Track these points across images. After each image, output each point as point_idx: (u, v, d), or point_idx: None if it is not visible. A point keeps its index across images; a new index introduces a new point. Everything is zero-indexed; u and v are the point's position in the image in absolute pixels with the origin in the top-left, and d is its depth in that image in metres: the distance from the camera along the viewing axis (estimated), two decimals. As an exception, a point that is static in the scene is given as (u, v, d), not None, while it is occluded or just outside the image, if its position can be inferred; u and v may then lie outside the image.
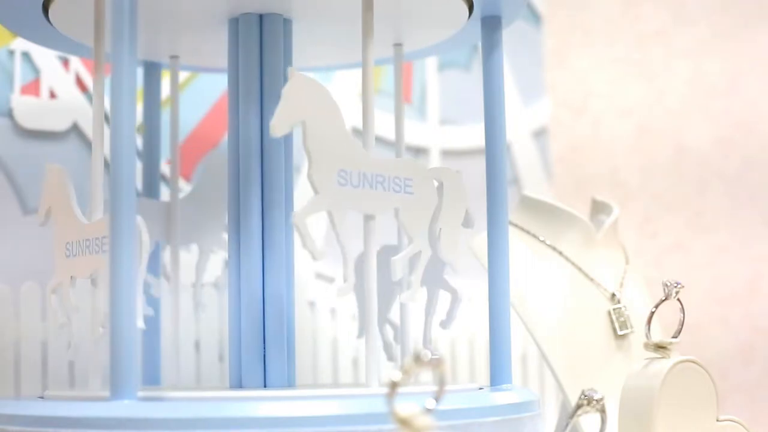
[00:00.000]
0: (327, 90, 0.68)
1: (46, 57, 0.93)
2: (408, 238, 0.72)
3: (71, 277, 0.73)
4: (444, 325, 0.77)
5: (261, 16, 0.77)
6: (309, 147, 0.67)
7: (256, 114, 0.76)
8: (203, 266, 0.88)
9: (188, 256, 0.90)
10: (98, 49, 0.73)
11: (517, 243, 0.88)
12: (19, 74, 0.92)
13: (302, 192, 1.03)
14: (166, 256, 0.96)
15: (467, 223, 0.76)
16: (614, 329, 0.87)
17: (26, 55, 0.92)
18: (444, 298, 0.78)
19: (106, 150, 0.93)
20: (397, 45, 0.83)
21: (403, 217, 0.71)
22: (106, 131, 0.94)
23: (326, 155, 0.67)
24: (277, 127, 0.66)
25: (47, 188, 0.76)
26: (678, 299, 0.74)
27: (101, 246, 0.70)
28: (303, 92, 0.67)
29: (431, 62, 1.17)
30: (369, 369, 0.69)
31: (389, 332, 0.83)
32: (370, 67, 0.71)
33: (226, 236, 0.82)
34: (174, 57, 0.87)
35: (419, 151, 1.14)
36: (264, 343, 0.75)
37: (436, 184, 0.73)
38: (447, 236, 0.73)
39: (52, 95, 0.93)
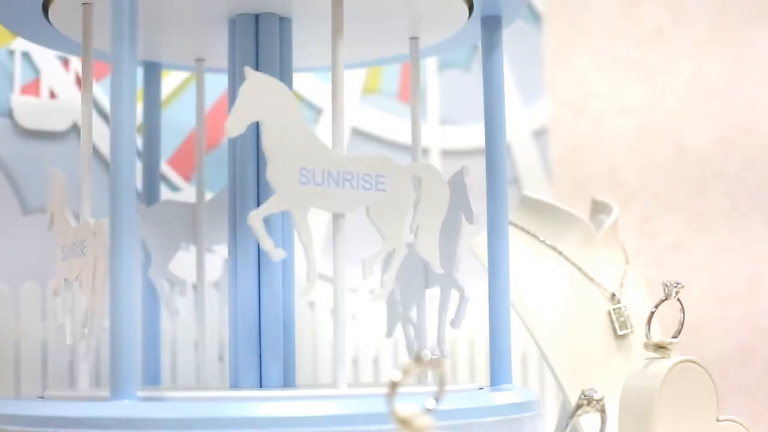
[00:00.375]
0: (286, 88, 0.68)
1: (46, 57, 0.93)
2: (381, 237, 0.71)
3: (65, 279, 0.74)
4: (454, 324, 0.78)
5: (260, 16, 0.77)
6: (267, 146, 0.66)
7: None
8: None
9: (187, 256, 0.90)
10: (86, 47, 0.73)
11: (517, 243, 0.88)
12: (19, 74, 0.92)
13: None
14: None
15: (470, 219, 0.76)
16: (614, 329, 0.87)
17: (26, 55, 0.92)
18: (453, 297, 0.78)
19: (106, 150, 0.94)
20: (413, 38, 0.82)
21: (374, 214, 0.70)
22: (98, 132, 0.94)
23: (285, 154, 0.67)
24: (232, 126, 0.66)
25: (50, 193, 0.77)
26: (678, 299, 0.74)
27: (82, 249, 0.71)
28: (260, 91, 0.67)
29: (431, 62, 1.17)
30: (337, 370, 0.68)
31: (411, 331, 0.83)
32: (340, 64, 0.71)
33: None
34: (200, 60, 0.88)
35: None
36: (262, 343, 0.75)
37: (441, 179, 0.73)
38: (426, 234, 0.72)
39: (52, 95, 0.93)
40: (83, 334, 0.71)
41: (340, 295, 0.69)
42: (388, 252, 0.71)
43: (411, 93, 0.83)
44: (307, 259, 0.68)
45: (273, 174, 0.66)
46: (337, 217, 0.69)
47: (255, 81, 0.67)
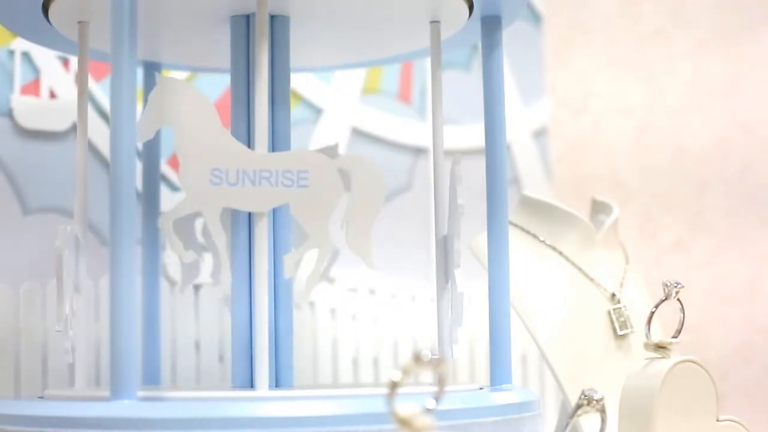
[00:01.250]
0: (197, 91, 0.69)
1: (46, 57, 0.93)
2: (304, 234, 0.70)
3: None
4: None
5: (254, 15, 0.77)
6: (178, 149, 0.67)
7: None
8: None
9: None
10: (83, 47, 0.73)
11: (517, 243, 0.88)
12: (19, 74, 0.92)
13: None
14: (166, 257, 0.96)
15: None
16: (614, 329, 0.87)
17: (26, 55, 0.92)
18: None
19: (106, 151, 0.94)
20: (434, 22, 0.79)
21: (296, 212, 0.69)
22: (98, 132, 0.94)
23: (196, 156, 0.67)
24: (143, 131, 0.68)
25: None
26: (678, 299, 0.74)
27: None
28: (170, 96, 0.68)
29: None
30: (258, 371, 0.68)
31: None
32: (264, 65, 0.70)
33: (332, 235, 0.84)
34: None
35: (419, 151, 1.14)
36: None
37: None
38: (357, 230, 0.70)
39: (52, 95, 0.93)
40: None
41: (260, 294, 0.68)
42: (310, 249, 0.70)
43: (432, 91, 0.81)
44: (221, 259, 0.69)
45: (182, 176, 0.67)
46: (257, 217, 0.69)
47: (165, 86, 0.69)
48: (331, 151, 0.77)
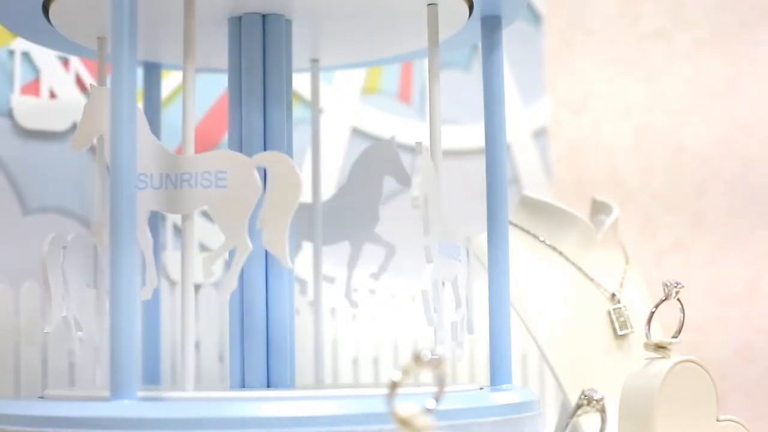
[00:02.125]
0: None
1: (46, 57, 0.93)
2: (223, 235, 0.69)
3: None
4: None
5: (260, 16, 0.77)
6: (107, 156, 0.68)
7: (256, 114, 0.76)
8: (354, 262, 0.88)
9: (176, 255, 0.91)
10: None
11: (517, 243, 0.88)
12: (19, 74, 0.92)
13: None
14: (166, 256, 0.96)
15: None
16: (614, 329, 0.87)
17: (26, 55, 0.92)
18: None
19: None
20: (431, 5, 0.77)
21: (213, 213, 0.68)
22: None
23: None
24: (78, 141, 0.70)
25: None
26: (678, 299, 0.74)
27: None
28: (101, 105, 0.69)
29: (431, 62, 1.17)
30: (186, 370, 0.68)
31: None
32: (191, 71, 0.71)
33: (377, 230, 0.85)
34: (314, 60, 0.88)
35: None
36: (262, 343, 0.75)
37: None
38: (272, 225, 0.68)
39: (52, 95, 0.93)
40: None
41: (188, 296, 0.68)
42: (229, 250, 0.69)
43: (430, 86, 0.81)
44: (147, 263, 0.69)
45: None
46: (184, 219, 0.69)
47: (96, 95, 0.70)
48: (386, 145, 0.77)
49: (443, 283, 0.73)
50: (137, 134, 0.66)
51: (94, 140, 0.71)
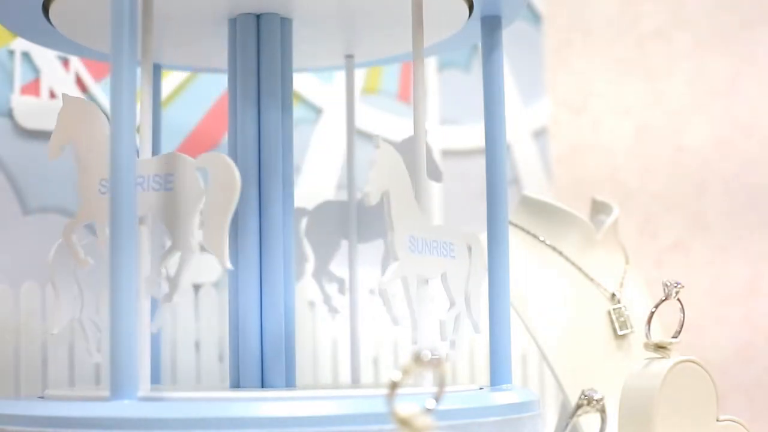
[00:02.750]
0: (95, 108, 0.71)
1: (46, 57, 0.93)
2: (169, 238, 0.69)
3: None
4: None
5: (260, 16, 0.77)
6: (76, 163, 0.69)
7: (255, 114, 0.76)
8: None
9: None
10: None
11: (517, 243, 0.88)
12: (19, 74, 0.92)
13: (302, 192, 1.03)
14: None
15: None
16: (614, 329, 0.87)
17: (26, 55, 0.92)
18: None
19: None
20: None
21: (160, 216, 0.68)
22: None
23: (89, 168, 0.70)
24: (51, 150, 0.72)
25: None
26: (678, 299, 0.74)
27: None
28: (72, 114, 0.71)
29: (431, 62, 1.17)
30: (143, 373, 0.67)
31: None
32: (149, 70, 0.71)
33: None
34: (349, 56, 0.88)
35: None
36: (262, 343, 0.75)
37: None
38: (211, 226, 0.67)
39: (52, 95, 0.93)
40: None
41: (143, 298, 0.67)
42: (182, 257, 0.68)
43: (413, 88, 0.81)
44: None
45: (78, 187, 0.70)
46: (140, 222, 0.68)
47: (68, 105, 0.71)
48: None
49: (427, 281, 0.71)
50: (102, 142, 0.69)
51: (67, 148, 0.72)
